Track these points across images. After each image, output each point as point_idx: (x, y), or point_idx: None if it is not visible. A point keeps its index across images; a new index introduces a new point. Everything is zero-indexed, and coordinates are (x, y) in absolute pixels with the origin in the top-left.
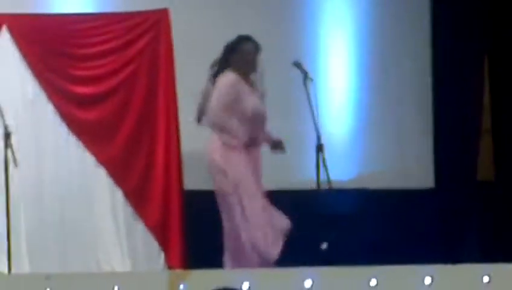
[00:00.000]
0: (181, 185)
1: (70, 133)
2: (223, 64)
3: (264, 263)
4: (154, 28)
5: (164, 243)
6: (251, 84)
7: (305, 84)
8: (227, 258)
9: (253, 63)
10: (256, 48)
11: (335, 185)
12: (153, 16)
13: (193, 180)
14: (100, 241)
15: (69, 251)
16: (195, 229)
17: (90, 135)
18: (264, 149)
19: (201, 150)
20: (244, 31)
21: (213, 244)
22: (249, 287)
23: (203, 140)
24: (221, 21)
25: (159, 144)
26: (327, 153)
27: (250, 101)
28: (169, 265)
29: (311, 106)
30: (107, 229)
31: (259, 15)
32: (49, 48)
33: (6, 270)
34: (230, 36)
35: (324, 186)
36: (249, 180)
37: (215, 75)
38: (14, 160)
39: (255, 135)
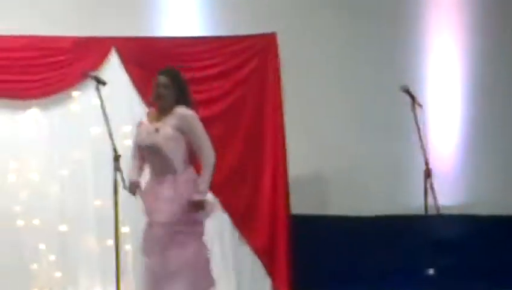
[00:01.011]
0: (288, 210)
1: None
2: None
3: None
4: (262, 51)
5: (271, 267)
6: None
7: (413, 109)
8: None
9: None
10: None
11: (443, 211)
12: (261, 39)
13: (300, 205)
14: None
15: None
16: (301, 253)
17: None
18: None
19: (308, 175)
20: (353, 56)
21: (319, 269)
22: None
23: (310, 165)
24: (327, 46)
25: (266, 168)
26: (435, 178)
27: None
28: (276, 289)
29: (419, 131)
30: (214, 253)
31: (369, 41)
32: (157, 71)
33: None
34: (336, 61)
35: (432, 211)
36: None
37: None
38: (123, 183)
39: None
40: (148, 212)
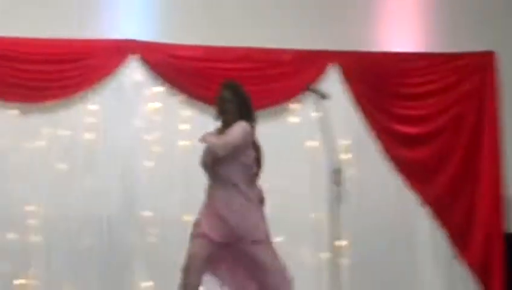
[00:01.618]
0: (503, 228)
1: (392, 171)
2: None
3: None
4: (480, 69)
5: (485, 284)
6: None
7: None
8: None
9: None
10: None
11: None
12: (479, 57)
13: None
14: (419, 277)
15: None
16: None
17: (414, 174)
18: None
19: None
20: None
21: None
22: None
23: None
24: None
25: (482, 186)
26: None
27: None
28: None
29: None
30: (426, 266)
31: None
32: (375, 86)
33: None
34: None
35: None
36: None
37: None
38: (340, 196)
39: None
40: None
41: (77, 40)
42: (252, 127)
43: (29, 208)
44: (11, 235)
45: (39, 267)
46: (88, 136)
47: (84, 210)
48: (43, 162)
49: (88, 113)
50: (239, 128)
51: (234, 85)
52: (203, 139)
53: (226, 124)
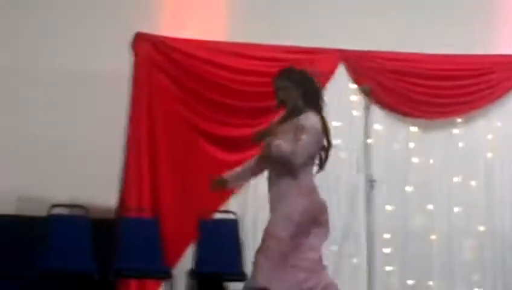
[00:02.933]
0: None
1: None
2: None
3: None
4: None
5: None
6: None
7: None
8: None
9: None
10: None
11: None
12: None
13: None
14: None
15: None
16: None
17: None
18: None
19: None
20: None
21: None
22: None
23: None
24: None
25: None
26: None
27: None
28: None
29: None
30: None
31: None
32: None
33: None
34: None
35: None
36: None
37: None
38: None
39: None
40: None
41: (476, 56)
42: (320, 113)
43: None
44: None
45: None
46: (488, 153)
47: None
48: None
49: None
50: (308, 133)
51: (288, 71)
52: (275, 147)
53: (291, 113)
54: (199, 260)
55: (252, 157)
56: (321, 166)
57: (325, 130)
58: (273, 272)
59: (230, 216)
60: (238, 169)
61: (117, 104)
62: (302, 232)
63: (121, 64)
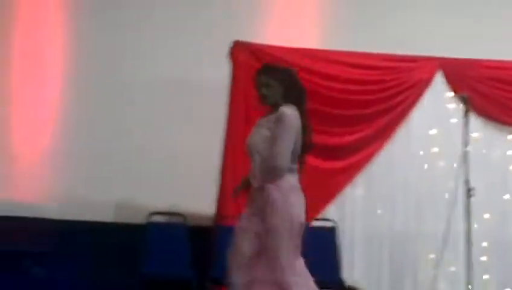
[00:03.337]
0: None
1: None
2: None
3: None
4: None
5: None
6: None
7: None
8: None
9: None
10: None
11: None
12: None
13: None
14: None
15: None
16: None
17: None
18: None
19: None
20: None
21: None
22: None
23: None
24: None
25: None
26: None
27: None
28: None
29: None
30: None
31: None
32: None
33: None
34: None
35: None
36: None
37: None
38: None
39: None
40: None
41: None
42: (300, 111)
43: None
44: None
45: None
46: None
47: None
48: None
49: None
50: (282, 129)
51: (272, 68)
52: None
53: (273, 109)
54: None
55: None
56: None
57: (304, 127)
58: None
59: (329, 224)
60: None
61: (215, 112)
62: None
63: (219, 73)
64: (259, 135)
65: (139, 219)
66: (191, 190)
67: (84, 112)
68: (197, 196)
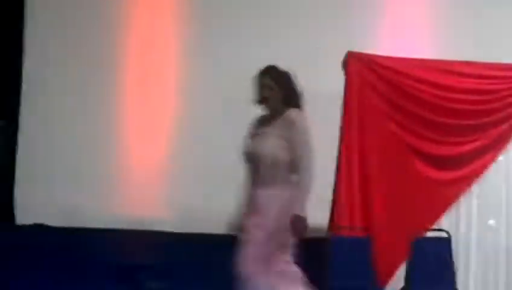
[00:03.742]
0: None
1: None
2: None
3: None
4: None
5: None
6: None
7: None
8: None
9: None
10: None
11: None
12: None
13: None
14: None
15: None
16: None
17: None
18: None
19: None
20: None
21: None
22: None
23: None
24: None
25: None
26: None
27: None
28: None
29: None
30: None
31: None
32: None
33: None
34: None
35: None
36: None
37: None
38: None
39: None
40: None
41: None
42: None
43: None
44: None
45: None
46: None
47: None
48: None
49: None
50: (303, 134)
51: (274, 70)
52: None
53: (271, 113)
54: (411, 279)
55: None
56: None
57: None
58: None
59: (443, 235)
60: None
61: (329, 122)
62: None
63: (333, 83)
64: (271, 143)
65: None
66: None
67: (200, 123)
68: (311, 207)
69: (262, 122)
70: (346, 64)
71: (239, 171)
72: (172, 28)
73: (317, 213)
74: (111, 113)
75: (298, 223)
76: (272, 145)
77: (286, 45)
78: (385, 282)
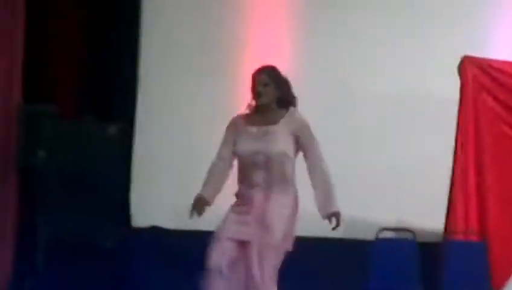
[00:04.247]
0: None
1: None
2: None
3: None
4: None
5: None
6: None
7: None
8: None
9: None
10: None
11: None
12: None
13: None
14: None
15: None
16: None
17: None
18: None
19: None
20: None
21: None
22: None
23: None
24: None
25: None
26: None
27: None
28: None
29: None
30: None
31: None
32: None
33: None
34: None
35: None
36: None
37: None
38: None
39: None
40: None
41: None
42: None
43: None
44: None
45: None
46: None
47: None
48: None
49: None
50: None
51: (273, 70)
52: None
53: (263, 109)
54: None
55: None
56: None
57: None
58: None
59: None
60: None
61: (444, 127)
62: None
63: (448, 88)
64: (283, 141)
65: (368, 234)
66: (421, 204)
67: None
68: (426, 211)
69: (253, 121)
70: (461, 69)
71: (350, 175)
72: (288, 38)
73: (434, 217)
74: (227, 115)
75: (334, 217)
76: (284, 143)
77: (398, 49)
78: (499, 287)
